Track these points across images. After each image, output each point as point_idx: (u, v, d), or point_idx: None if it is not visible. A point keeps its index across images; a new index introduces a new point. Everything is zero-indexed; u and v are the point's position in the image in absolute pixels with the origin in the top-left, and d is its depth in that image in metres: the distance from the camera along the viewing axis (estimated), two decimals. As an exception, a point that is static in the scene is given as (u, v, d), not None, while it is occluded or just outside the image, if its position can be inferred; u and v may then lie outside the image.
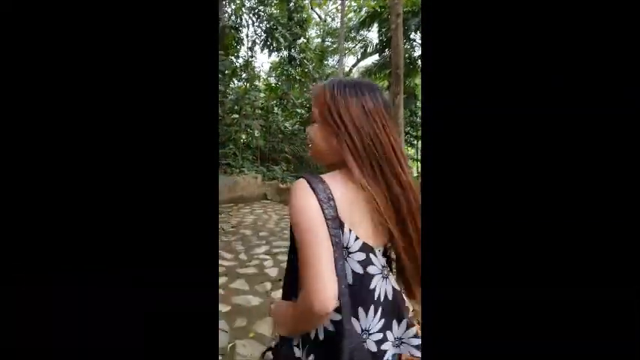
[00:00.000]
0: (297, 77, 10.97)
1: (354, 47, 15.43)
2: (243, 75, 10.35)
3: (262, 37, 10.05)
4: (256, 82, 11.06)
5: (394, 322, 0.87)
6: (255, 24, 10.00)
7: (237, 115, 9.27)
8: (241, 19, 9.92)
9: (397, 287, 0.87)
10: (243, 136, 9.67)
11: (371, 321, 0.84)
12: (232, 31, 9.40)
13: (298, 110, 10.84)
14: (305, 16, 11.25)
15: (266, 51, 10.61)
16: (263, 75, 12.52)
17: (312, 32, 14.54)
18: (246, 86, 10.18)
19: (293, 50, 11.03)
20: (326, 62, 14.09)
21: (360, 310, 0.83)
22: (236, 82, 10.31)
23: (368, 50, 11.92)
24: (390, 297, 0.86)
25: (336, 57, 14.53)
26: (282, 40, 9.52)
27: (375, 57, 11.30)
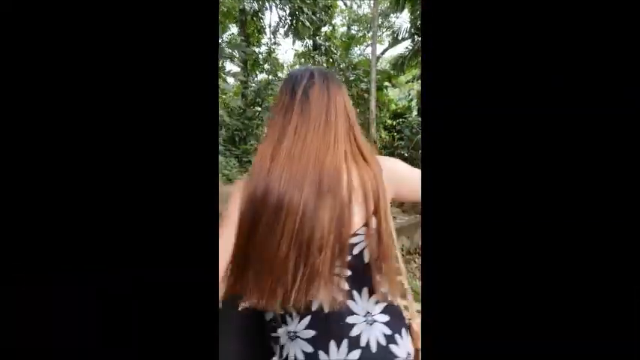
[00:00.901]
0: (323, 65, 10.90)
1: (380, 35, 15.25)
2: (266, 66, 10.37)
3: (286, 21, 9.93)
4: (279, 74, 11.07)
5: (332, 342, 0.80)
6: (279, 6, 9.91)
7: (259, 108, 9.32)
8: (264, 3, 9.89)
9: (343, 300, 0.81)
10: (266, 130, 9.67)
11: (297, 324, 0.83)
12: (254, 18, 9.41)
13: (324, 101, 10.78)
14: (330, 1, 11.16)
15: (289, 38, 10.54)
16: (286, 65, 12.53)
17: (338, 20, 14.43)
18: (268, 77, 10.19)
19: (318, 38, 10.94)
20: (352, 51, 13.96)
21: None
22: (259, 74, 10.35)
23: (399, 37, 11.73)
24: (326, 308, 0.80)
25: (362, 46, 14.41)
26: (307, 23, 9.43)
27: (405, 44, 11.13)
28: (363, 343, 0.80)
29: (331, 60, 11.24)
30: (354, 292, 0.83)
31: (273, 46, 10.47)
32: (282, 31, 10.01)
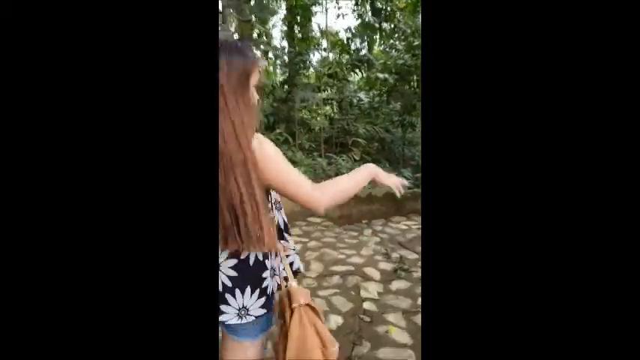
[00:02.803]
0: (380, 28, 9.04)
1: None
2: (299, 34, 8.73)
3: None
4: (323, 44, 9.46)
5: None
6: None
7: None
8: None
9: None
10: (305, 115, 8.04)
11: None
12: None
13: (380, 75, 8.92)
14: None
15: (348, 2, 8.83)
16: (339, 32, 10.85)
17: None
18: (307, 43, 8.54)
19: (378, 1, 9.23)
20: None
21: None
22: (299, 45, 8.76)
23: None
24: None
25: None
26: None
27: None
28: None
29: (392, 26, 9.47)
30: None
31: (314, 8, 8.83)
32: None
